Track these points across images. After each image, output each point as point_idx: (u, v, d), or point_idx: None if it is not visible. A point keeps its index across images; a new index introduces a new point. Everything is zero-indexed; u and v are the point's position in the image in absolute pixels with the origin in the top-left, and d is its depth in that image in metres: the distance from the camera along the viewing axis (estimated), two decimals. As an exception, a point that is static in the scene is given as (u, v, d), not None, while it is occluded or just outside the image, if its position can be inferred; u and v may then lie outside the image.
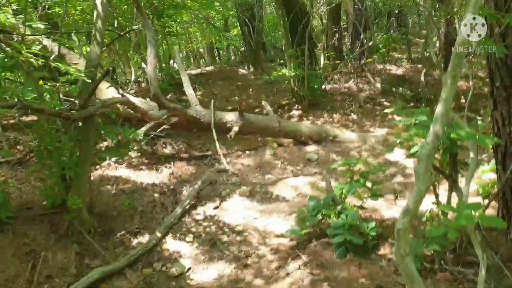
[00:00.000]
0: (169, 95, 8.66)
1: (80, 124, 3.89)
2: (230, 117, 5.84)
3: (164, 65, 11.31)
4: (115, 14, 7.55)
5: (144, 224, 4.36)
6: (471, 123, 6.09)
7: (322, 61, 10.73)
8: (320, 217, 3.90)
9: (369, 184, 4.03)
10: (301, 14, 8.90)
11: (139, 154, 5.78)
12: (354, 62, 12.47)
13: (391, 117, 8.18)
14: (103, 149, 4.57)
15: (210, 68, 14.41)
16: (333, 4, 10.71)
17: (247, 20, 13.28)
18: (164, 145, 6.34)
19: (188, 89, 5.89)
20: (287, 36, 8.32)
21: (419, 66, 15.28)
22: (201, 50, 18.52)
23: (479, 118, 7.25)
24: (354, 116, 8.18)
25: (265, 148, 6.11)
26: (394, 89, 10.56)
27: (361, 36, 12.57)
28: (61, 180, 3.85)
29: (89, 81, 3.62)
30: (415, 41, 18.59)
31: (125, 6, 8.09)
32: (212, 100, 5.97)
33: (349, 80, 10.92)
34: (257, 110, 8.88)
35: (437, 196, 3.53)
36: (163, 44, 11.37)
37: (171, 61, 12.64)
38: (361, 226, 3.68)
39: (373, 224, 3.72)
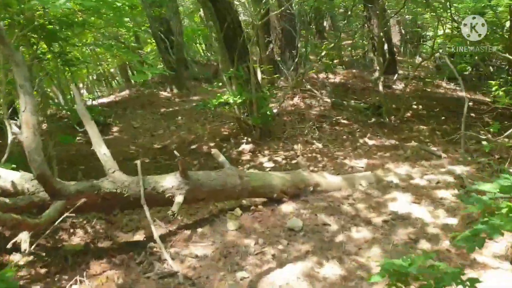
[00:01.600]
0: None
1: None
2: (169, 182, 3.73)
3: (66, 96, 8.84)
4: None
5: None
6: None
7: (259, 76, 8.87)
8: None
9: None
10: (234, 25, 6.95)
11: (30, 258, 3.53)
12: (293, 74, 10.76)
13: (363, 141, 6.48)
14: None
15: (125, 92, 12.01)
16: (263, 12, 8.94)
17: (162, 35, 11.13)
18: (72, 230, 4.10)
19: (98, 147, 3.69)
20: (223, 52, 6.33)
21: (354, 71, 14.01)
22: (112, 70, 15.98)
23: None
24: (319, 144, 6.36)
25: (223, 219, 4.06)
26: (345, 102, 8.94)
27: (297, 44, 10.88)
28: None
29: None
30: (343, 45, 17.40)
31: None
32: (138, 162, 3.78)
33: (294, 96, 9.15)
34: (194, 146, 6.82)
35: None
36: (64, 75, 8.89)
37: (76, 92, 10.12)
38: None
39: None
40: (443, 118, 8.63)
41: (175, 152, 3.85)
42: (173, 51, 11.13)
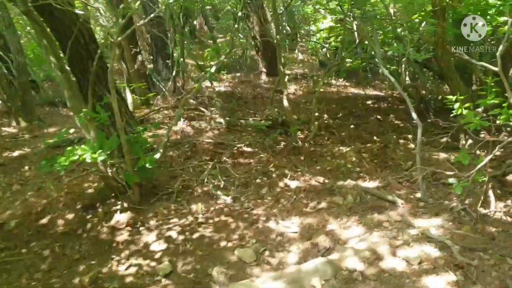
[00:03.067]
0: None
1: None
2: None
3: None
4: None
5: None
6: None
7: (129, 99, 6.76)
8: None
9: None
10: (86, 41, 4.80)
11: None
12: (171, 87, 8.73)
13: (283, 184, 4.79)
14: None
15: None
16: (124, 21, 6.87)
17: (-3, 53, 8.37)
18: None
19: None
20: (70, 84, 4.15)
21: (238, 75, 12.36)
22: None
23: None
24: (226, 198, 4.48)
25: None
26: (242, 121, 7.20)
27: (171, 51, 8.87)
28: None
29: None
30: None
31: None
32: None
33: (178, 119, 7.16)
34: (44, 220, 4.56)
35: None
36: None
37: None
38: None
39: None
40: (352, 126, 7.35)
41: None
42: (16, 72, 8.43)
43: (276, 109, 7.76)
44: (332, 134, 7.01)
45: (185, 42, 9.80)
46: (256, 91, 10.06)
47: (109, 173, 4.19)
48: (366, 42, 7.60)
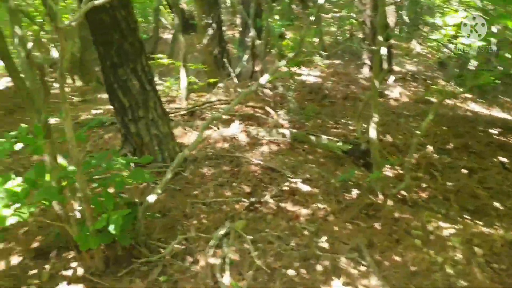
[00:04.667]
0: None
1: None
2: None
3: None
4: None
5: None
6: None
7: (184, 82, 5.24)
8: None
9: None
10: (114, 3, 3.40)
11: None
12: (245, 73, 7.04)
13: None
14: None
15: None
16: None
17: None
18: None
19: None
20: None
21: (337, 63, 10.25)
22: None
23: None
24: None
25: None
26: (313, 136, 5.32)
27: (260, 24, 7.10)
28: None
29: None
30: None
31: None
32: None
33: (232, 120, 5.48)
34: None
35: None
36: None
37: None
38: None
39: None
40: (464, 171, 5.15)
41: None
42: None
43: (364, 125, 5.75)
44: (432, 180, 4.89)
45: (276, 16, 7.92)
46: (350, 90, 7.99)
47: (61, 216, 2.66)
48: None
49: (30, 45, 2.69)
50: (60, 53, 2.07)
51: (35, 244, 3.05)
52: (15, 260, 2.91)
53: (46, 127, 2.46)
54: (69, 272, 2.73)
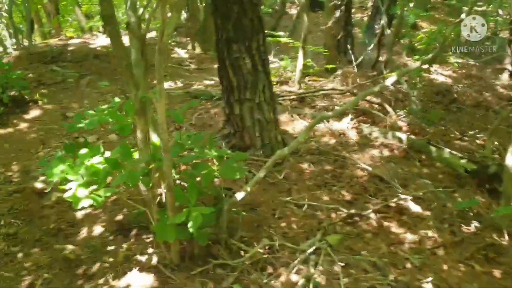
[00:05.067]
0: None
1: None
2: None
3: None
4: None
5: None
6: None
7: (300, 64, 4.90)
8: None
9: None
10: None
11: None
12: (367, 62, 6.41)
13: None
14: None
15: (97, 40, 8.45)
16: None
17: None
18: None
19: None
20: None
21: (472, 63, 9.04)
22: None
23: None
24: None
25: None
26: (433, 147, 4.61)
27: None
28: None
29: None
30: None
31: None
32: None
33: (346, 115, 4.99)
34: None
35: None
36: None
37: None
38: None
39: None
40: None
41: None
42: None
43: (496, 143, 4.89)
44: None
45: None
46: (483, 97, 6.95)
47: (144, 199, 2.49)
48: None
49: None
50: (161, 26, 1.80)
51: (119, 217, 2.96)
52: (97, 229, 2.84)
53: (142, 104, 2.25)
54: (143, 258, 2.57)
